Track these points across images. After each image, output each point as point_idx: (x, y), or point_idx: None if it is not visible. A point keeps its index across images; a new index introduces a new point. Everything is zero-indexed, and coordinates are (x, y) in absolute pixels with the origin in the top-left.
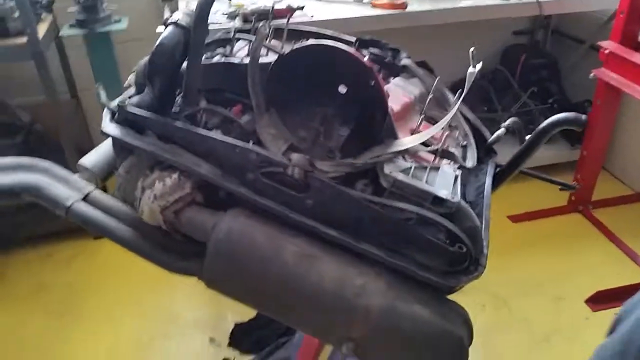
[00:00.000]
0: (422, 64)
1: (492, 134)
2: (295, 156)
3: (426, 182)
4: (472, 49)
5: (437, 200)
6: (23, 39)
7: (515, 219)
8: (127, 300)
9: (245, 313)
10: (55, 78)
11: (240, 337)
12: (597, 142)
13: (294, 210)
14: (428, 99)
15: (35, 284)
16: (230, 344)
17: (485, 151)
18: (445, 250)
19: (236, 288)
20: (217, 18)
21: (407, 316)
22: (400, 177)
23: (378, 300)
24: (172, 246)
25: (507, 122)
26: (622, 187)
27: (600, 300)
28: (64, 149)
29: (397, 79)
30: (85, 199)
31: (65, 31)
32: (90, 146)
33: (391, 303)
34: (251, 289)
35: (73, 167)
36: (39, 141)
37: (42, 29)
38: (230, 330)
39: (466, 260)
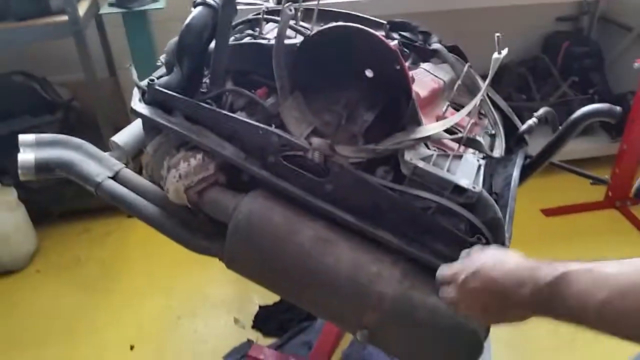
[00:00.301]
0: (454, 49)
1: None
2: (315, 140)
3: (448, 170)
4: (497, 34)
5: (458, 190)
6: (64, 17)
7: (549, 212)
8: (157, 278)
9: (270, 296)
10: (95, 56)
11: (264, 319)
12: (638, 135)
13: (313, 194)
14: (456, 85)
15: (72, 257)
16: (253, 326)
17: (516, 141)
18: (464, 241)
19: (254, 268)
20: None
21: (421, 306)
22: (421, 164)
23: (392, 288)
24: (196, 226)
25: (540, 111)
26: None
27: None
28: (101, 126)
29: (426, 64)
30: (115, 177)
31: (104, 9)
32: (127, 124)
33: (405, 292)
34: (268, 270)
35: (109, 145)
36: (77, 118)
37: (82, 7)
38: (255, 312)
39: None
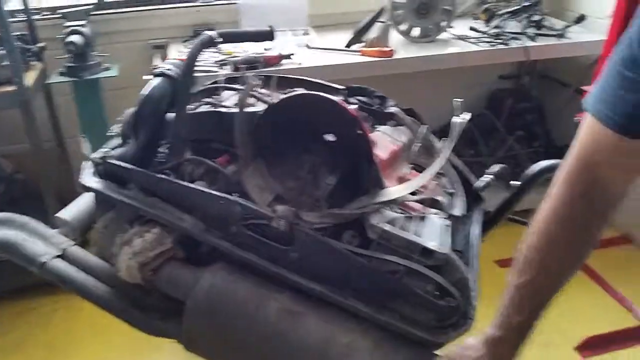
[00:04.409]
0: (409, 112)
1: (478, 177)
2: (280, 208)
3: (414, 233)
4: (455, 100)
5: (426, 252)
6: (10, 87)
7: (503, 263)
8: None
9: None
10: (42, 126)
11: None
12: None
13: (278, 264)
14: (415, 147)
15: (12, 341)
16: None
17: (473, 198)
18: (434, 305)
19: (216, 349)
20: (207, 66)
21: None
22: (388, 227)
23: None
24: (150, 306)
25: (494, 168)
26: (608, 230)
27: (590, 346)
28: (45, 198)
29: (384, 127)
30: (62, 255)
31: (53, 78)
32: (75, 196)
33: None
34: (233, 349)
35: (55, 221)
36: (21, 191)
37: (31, 77)
38: None
39: (455, 314)
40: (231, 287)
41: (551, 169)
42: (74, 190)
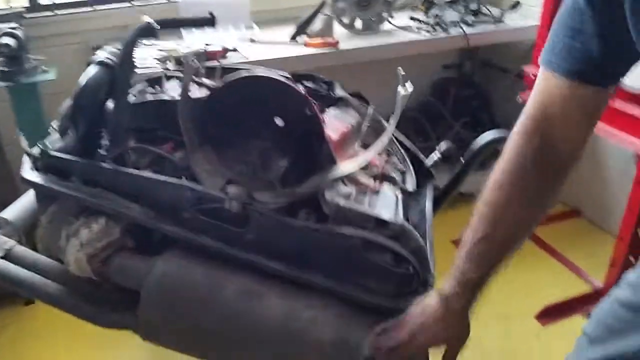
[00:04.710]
0: (356, 95)
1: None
2: (232, 189)
3: (368, 205)
4: (399, 69)
5: (381, 223)
6: None
7: (459, 243)
8: None
9: None
10: None
11: None
12: None
13: (234, 246)
14: (364, 127)
15: None
16: None
17: (424, 175)
18: (393, 273)
19: (176, 336)
20: (148, 63)
21: (360, 346)
22: (343, 202)
23: (329, 333)
24: (104, 298)
25: (441, 146)
26: (559, 205)
27: (549, 314)
28: None
29: (333, 109)
30: (6, 256)
31: None
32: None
33: (343, 335)
34: (192, 335)
35: None
36: None
37: None
38: None
39: (414, 280)
40: (186, 272)
41: (496, 141)
42: (15, 196)
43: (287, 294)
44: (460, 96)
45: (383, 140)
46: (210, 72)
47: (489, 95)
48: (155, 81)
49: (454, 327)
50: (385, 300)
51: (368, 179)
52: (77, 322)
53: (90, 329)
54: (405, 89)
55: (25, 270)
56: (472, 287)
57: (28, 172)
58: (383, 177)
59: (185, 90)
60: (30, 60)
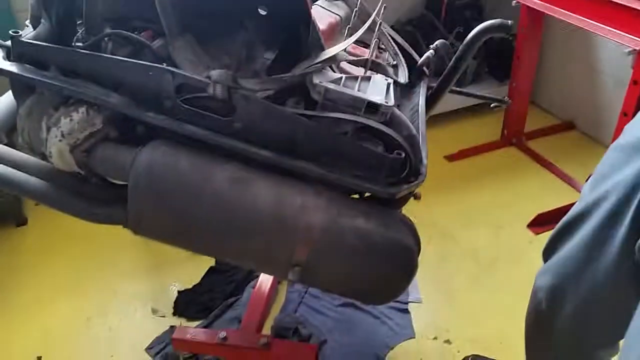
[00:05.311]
0: None
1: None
2: (215, 72)
3: (358, 90)
4: None
5: (371, 106)
6: None
7: (452, 158)
8: (60, 282)
9: (188, 280)
10: None
11: (185, 304)
12: (525, 70)
13: (221, 135)
14: (353, 16)
15: None
16: (175, 313)
17: (417, 74)
18: (384, 159)
19: (166, 227)
20: None
21: (351, 229)
22: (332, 86)
23: (319, 217)
24: (91, 193)
25: (435, 44)
26: (551, 118)
27: (541, 222)
28: None
29: (321, 1)
30: None
31: None
32: None
33: (333, 219)
34: (182, 226)
35: None
36: None
37: None
38: (174, 298)
39: (406, 167)
40: (174, 160)
41: (489, 30)
42: None
43: (278, 181)
44: (454, 6)
45: (372, 17)
46: None
47: (482, 4)
48: None
49: None
50: (376, 186)
51: (358, 68)
52: (69, 239)
53: (83, 246)
54: None
55: (12, 169)
56: None
57: (1, 61)
58: (374, 65)
59: None
60: None
